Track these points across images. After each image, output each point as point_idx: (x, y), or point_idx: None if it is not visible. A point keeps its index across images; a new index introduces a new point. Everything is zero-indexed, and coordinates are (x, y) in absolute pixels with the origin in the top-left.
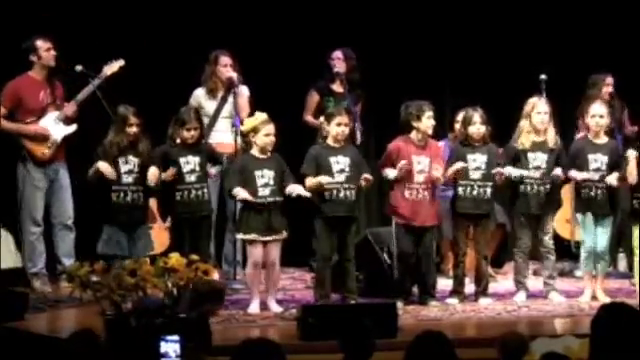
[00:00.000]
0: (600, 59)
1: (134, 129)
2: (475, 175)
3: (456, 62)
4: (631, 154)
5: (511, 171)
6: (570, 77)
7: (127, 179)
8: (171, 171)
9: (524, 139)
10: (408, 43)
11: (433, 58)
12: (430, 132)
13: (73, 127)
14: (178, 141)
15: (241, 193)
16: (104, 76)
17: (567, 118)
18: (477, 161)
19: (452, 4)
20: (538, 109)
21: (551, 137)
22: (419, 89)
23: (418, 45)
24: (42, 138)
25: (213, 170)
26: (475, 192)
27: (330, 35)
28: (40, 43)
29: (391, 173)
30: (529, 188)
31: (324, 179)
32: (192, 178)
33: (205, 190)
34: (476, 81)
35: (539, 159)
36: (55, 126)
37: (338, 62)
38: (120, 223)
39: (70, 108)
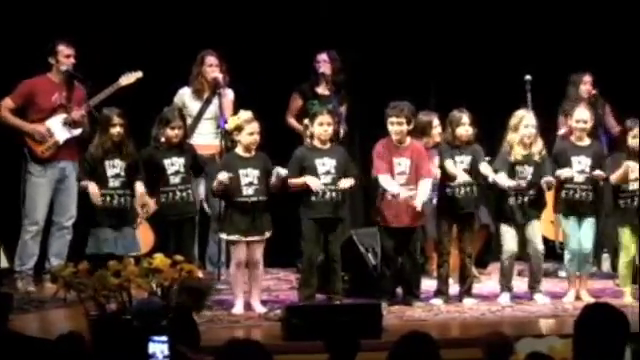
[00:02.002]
0: (582, 59)
1: (118, 129)
2: (463, 176)
3: (441, 63)
4: (633, 166)
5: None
6: (555, 77)
7: (114, 183)
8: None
9: (515, 152)
10: (393, 44)
11: (418, 59)
12: (394, 137)
13: (78, 131)
14: (163, 140)
15: (221, 175)
16: (118, 86)
17: (552, 118)
18: (464, 163)
19: (437, 5)
20: (525, 122)
21: (537, 150)
22: (404, 90)
23: (403, 46)
24: (40, 137)
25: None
26: (462, 192)
27: (315, 37)
28: (61, 48)
29: (385, 182)
30: (512, 200)
31: (310, 180)
32: (177, 180)
33: (190, 191)
34: (461, 82)
35: (526, 171)
36: (61, 128)
37: (324, 64)
38: (107, 225)
39: (77, 113)
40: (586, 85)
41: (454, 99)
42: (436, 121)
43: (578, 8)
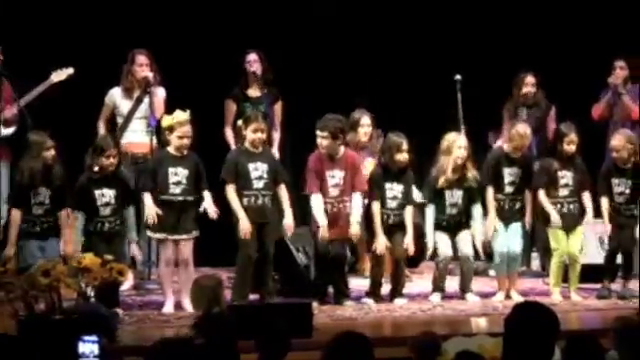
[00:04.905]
0: (518, 59)
1: (52, 152)
2: (392, 204)
3: (371, 71)
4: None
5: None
6: (485, 78)
7: (37, 211)
8: None
9: (444, 176)
10: (322, 50)
11: (350, 60)
12: (322, 150)
13: (10, 130)
14: (97, 169)
15: (147, 200)
16: (50, 83)
17: (482, 119)
18: (394, 190)
19: (366, 10)
20: (458, 144)
21: (470, 175)
22: (337, 94)
23: (336, 51)
24: None
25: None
26: (391, 221)
27: (244, 39)
28: None
29: (315, 205)
30: (445, 224)
31: (243, 224)
32: (107, 211)
33: (118, 222)
34: (392, 84)
35: (456, 196)
36: None
37: (255, 64)
38: (31, 236)
39: (9, 111)
40: (527, 86)
41: (385, 100)
42: (365, 120)
43: (513, 7)
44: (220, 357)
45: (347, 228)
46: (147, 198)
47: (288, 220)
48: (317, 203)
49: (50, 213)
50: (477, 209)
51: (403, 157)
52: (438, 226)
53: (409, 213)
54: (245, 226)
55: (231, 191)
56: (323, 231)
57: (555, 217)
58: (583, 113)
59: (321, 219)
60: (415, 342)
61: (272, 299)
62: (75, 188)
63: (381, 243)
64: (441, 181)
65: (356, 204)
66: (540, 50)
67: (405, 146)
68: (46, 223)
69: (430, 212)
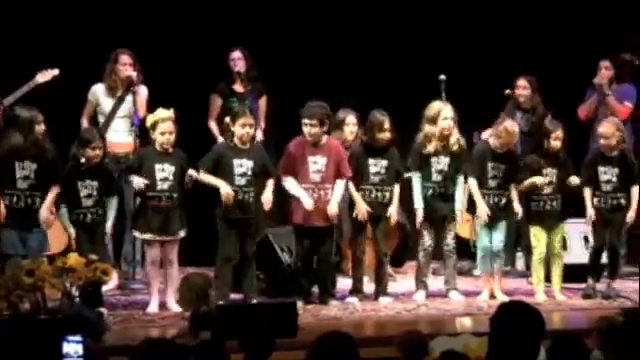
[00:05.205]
0: (503, 59)
1: (43, 127)
2: (375, 179)
3: (356, 71)
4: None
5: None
6: (469, 77)
7: (22, 185)
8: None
9: (430, 144)
10: (309, 49)
11: (333, 57)
12: (308, 138)
13: None
14: (83, 161)
15: (136, 180)
16: (35, 83)
17: (466, 119)
18: (377, 166)
19: (352, 10)
20: (444, 114)
21: (454, 140)
22: (323, 88)
23: (321, 45)
24: None
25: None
26: (373, 195)
27: (229, 35)
28: None
29: (290, 185)
30: (431, 191)
31: (224, 188)
32: (89, 202)
33: (101, 212)
34: (377, 81)
35: (442, 162)
36: None
37: (239, 62)
38: (13, 225)
39: None
40: (518, 89)
41: (370, 97)
42: (350, 119)
43: (497, 7)
44: (210, 356)
45: (324, 216)
46: (134, 178)
47: (267, 194)
48: (292, 184)
49: (35, 188)
50: (461, 178)
51: (385, 136)
52: (424, 196)
53: (396, 189)
54: (226, 190)
55: (204, 174)
56: (308, 205)
57: (540, 179)
58: (569, 114)
59: (300, 193)
60: (402, 341)
61: (255, 298)
62: (62, 180)
63: (362, 209)
64: (427, 148)
65: (338, 188)
66: (525, 50)
67: (387, 125)
68: (30, 197)
69: (417, 180)
